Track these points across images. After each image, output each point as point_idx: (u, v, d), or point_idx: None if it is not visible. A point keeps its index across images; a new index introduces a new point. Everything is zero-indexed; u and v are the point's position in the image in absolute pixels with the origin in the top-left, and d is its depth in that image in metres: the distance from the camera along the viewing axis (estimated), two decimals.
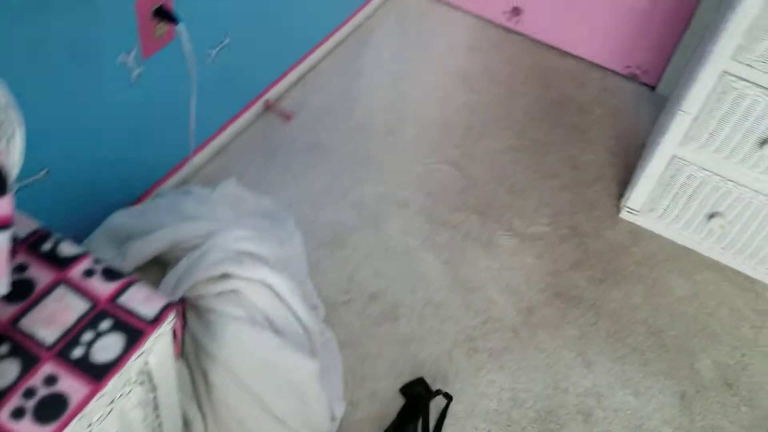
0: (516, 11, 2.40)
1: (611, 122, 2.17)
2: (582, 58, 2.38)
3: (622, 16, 2.22)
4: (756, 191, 1.65)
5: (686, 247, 1.85)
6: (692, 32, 2.11)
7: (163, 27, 1.42)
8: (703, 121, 1.62)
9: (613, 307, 1.70)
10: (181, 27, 1.41)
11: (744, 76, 1.51)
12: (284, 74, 2.01)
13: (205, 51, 1.59)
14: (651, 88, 2.33)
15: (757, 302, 1.75)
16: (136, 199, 1.61)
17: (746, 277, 1.80)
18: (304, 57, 2.09)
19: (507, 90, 2.21)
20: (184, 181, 1.73)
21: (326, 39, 2.17)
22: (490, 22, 2.46)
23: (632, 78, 2.34)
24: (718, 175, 1.68)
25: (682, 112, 1.64)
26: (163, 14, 1.41)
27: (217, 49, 1.62)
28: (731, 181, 1.67)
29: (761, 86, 1.50)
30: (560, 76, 2.30)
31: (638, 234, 1.87)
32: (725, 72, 1.53)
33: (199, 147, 1.75)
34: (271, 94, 1.98)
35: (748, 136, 1.58)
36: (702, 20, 2.05)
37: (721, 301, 1.75)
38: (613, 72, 2.35)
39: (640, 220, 1.88)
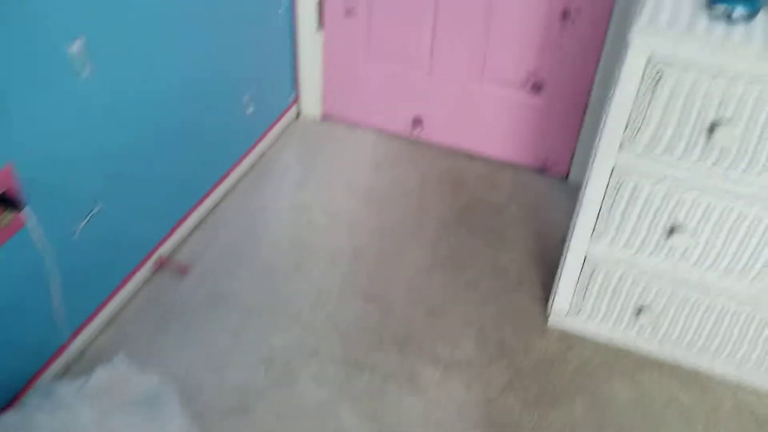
0: (417, 121, 2.36)
1: (528, 220, 2.10)
2: (490, 158, 2.33)
3: (520, 111, 2.19)
4: (678, 280, 1.56)
5: (621, 347, 1.73)
6: (591, 115, 2.07)
7: (7, 216, 1.30)
8: (606, 216, 1.54)
9: (555, 428, 1.55)
10: (28, 211, 1.31)
11: (635, 167, 1.45)
12: (177, 224, 1.91)
13: (69, 228, 1.47)
14: (564, 178, 2.27)
15: (704, 398, 1.62)
16: (14, 395, 1.45)
17: (688, 371, 1.68)
18: (201, 201, 1.99)
19: (417, 203, 2.13)
20: (67, 368, 1.57)
21: (223, 178, 2.09)
22: (392, 135, 2.41)
23: (543, 171, 2.29)
24: (635, 267, 1.58)
25: (585, 209, 1.56)
26: (7, 202, 1.30)
27: (85, 221, 1.51)
28: (649, 273, 1.57)
29: (654, 176, 1.44)
30: (470, 179, 2.24)
31: (570, 340, 1.75)
32: (616, 165, 1.46)
33: (83, 324, 1.61)
34: (165, 248, 1.86)
35: (654, 227, 1.50)
36: (599, 103, 2.02)
37: (667, 402, 1.62)
38: (524, 167, 2.30)
39: (570, 324, 1.77)
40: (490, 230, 2.05)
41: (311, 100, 2.43)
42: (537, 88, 2.14)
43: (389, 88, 2.32)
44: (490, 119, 2.25)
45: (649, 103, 1.35)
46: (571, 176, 2.24)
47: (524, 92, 2.16)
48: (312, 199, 2.13)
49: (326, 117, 2.48)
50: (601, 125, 1.45)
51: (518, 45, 2.07)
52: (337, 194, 2.16)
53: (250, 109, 2.13)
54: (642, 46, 1.30)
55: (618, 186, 1.48)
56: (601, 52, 1.99)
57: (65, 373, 1.57)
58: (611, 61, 1.91)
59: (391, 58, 2.26)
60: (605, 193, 1.51)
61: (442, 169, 2.28)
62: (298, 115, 2.49)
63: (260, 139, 2.25)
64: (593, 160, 1.49)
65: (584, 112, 2.11)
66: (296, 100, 2.45)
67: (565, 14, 1.97)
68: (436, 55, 2.19)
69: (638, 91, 1.35)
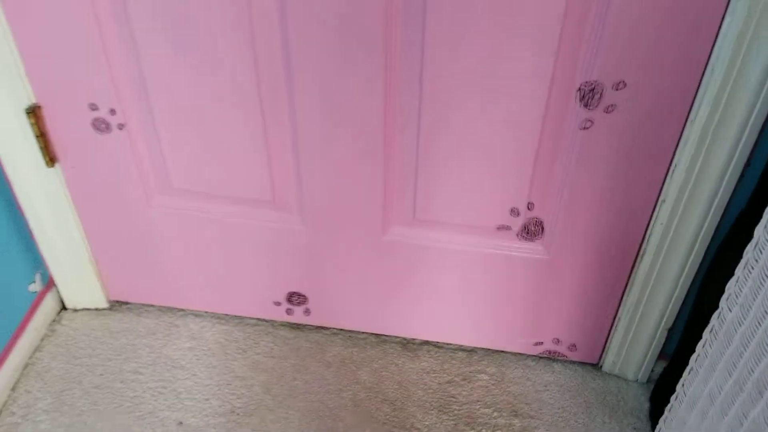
0: (295, 299, 1.20)
1: None
2: (447, 346, 1.22)
3: (498, 269, 1.08)
4: None
5: None
6: (648, 265, 0.99)
7: None
8: None
9: None
10: None
11: None
12: None
13: None
14: (595, 365, 1.19)
15: None
16: None
17: None
18: None
19: None
20: None
21: None
22: (257, 321, 1.25)
23: (553, 357, 1.20)
24: None
25: None
26: None
27: None
28: None
29: None
30: (419, 389, 1.13)
31: None
32: None
33: None
34: None
35: None
36: (659, 247, 0.94)
37: None
38: (514, 354, 1.21)
39: None
40: None
41: (78, 283, 1.23)
42: (531, 231, 1.03)
43: (224, 246, 1.14)
44: (440, 284, 1.12)
45: None
46: (606, 361, 1.17)
47: (505, 238, 1.04)
48: None
49: (115, 304, 1.28)
50: None
51: (485, 158, 0.94)
52: None
53: None
54: None
55: None
56: (666, 171, 0.89)
57: None
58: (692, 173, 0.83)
59: (212, 195, 1.08)
60: None
61: (369, 371, 1.15)
62: (61, 309, 1.27)
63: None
64: None
65: (635, 261, 1.03)
66: (48, 286, 1.24)
67: (586, 95, 0.85)
68: (309, 190, 1.03)
69: None
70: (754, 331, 0.73)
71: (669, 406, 0.97)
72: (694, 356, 0.90)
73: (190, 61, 0.91)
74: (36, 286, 1.21)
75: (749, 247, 0.76)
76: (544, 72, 0.84)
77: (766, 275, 0.72)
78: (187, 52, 0.90)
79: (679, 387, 0.95)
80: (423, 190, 1.00)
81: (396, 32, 0.84)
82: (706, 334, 0.87)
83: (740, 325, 0.76)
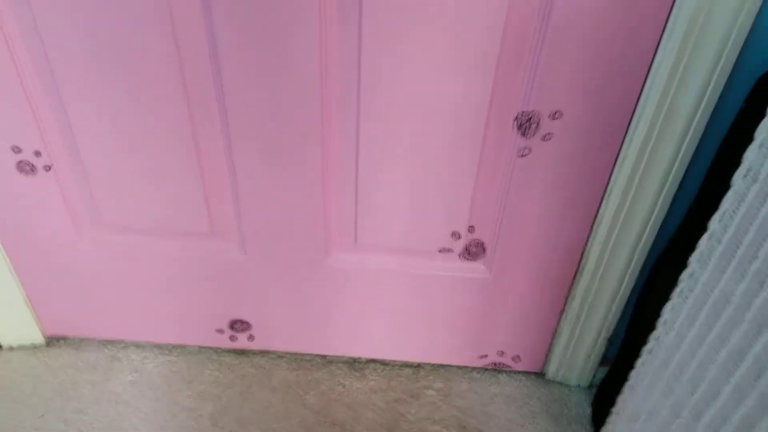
0: (239, 326, 1.18)
1: None
2: (391, 363, 1.22)
3: (441, 287, 1.09)
4: None
5: None
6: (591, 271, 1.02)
7: None
8: None
9: None
10: None
11: None
12: None
13: None
14: (538, 374, 1.22)
15: None
16: None
17: None
18: None
19: None
20: None
21: None
22: (200, 349, 1.23)
23: (498, 368, 1.22)
24: None
25: None
26: None
27: None
28: None
29: None
30: (367, 402, 1.13)
31: None
32: None
33: None
34: None
35: None
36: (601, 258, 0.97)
37: None
38: (459, 368, 1.22)
39: None
40: None
41: (12, 321, 1.18)
42: (473, 252, 1.03)
43: (162, 277, 1.11)
44: (384, 304, 1.12)
45: None
46: (550, 370, 1.20)
47: (447, 260, 1.05)
48: None
49: (52, 340, 1.24)
50: None
51: (425, 185, 0.94)
52: None
53: None
54: None
55: None
56: (603, 193, 0.91)
57: None
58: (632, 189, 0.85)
59: (146, 229, 1.05)
60: None
61: (308, 400, 1.14)
62: None
63: None
64: None
65: (574, 276, 1.05)
66: None
67: (523, 124, 0.85)
68: (248, 219, 1.01)
69: None
70: (690, 359, 0.76)
71: (610, 417, 1.01)
72: (633, 372, 0.93)
73: (116, 99, 0.87)
74: None
75: (684, 275, 0.78)
76: (480, 102, 0.84)
77: (702, 302, 0.75)
78: (112, 90, 0.86)
79: (619, 400, 0.98)
80: (363, 215, 0.99)
81: (331, 74, 0.82)
82: (644, 353, 0.89)
83: (677, 351, 0.79)
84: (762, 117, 0.66)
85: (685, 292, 0.78)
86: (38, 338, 1.23)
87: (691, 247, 0.77)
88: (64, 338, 1.25)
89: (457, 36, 0.78)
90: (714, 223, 0.72)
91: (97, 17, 0.79)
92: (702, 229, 0.75)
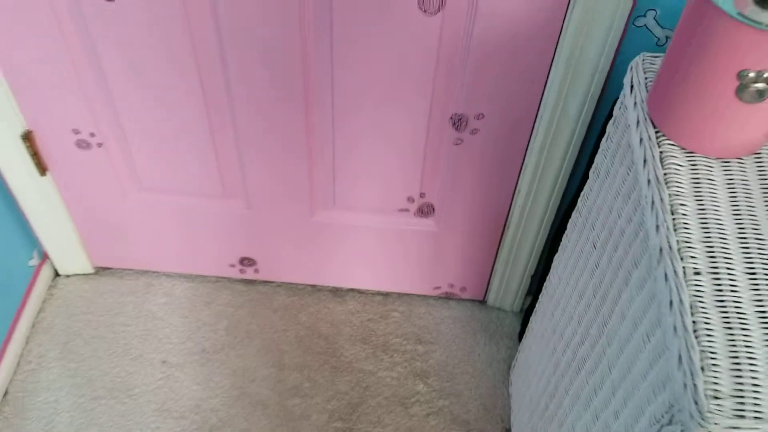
0: (246, 262, 1.51)
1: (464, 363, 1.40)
2: (365, 292, 1.56)
3: (401, 237, 1.41)
4: None
5: None
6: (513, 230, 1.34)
7: None
8: None
9: None
10: None
11: None
12: None
13: None
14: (480, 302, 1.56)
15: None
16: None
17: None
18: None
19: (277, 385, 1.37)
20: None
21: None
22: (217, 279, 1.57)
23: (449, 297, 1.56)
24: None
25: None
26: None
27: None
28: None
29: None
30: (346, 320, 1.48)
31: None
32: None
33: None
34: None
35: None
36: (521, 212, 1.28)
37: None
38: (419, 296, 1.56)
39: None
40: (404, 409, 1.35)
41: (68, 254, 1.51)
42: (424, 212, 1.35)
43: (186, 225, 1.44)
44: (359, 248, 1.45)
45: None
46: (490, 298, 1.53)
47: (405, 217, 1.36)
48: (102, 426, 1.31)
49: (100, 270, 1.58)
50: None
51: (385, 164, 1.25)
52: (139, 410, 1.34)
53: None
54: None
55: None
56: (519, 171, 1.22)
57: None
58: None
59: (175, 190, 1.36)
60: None
61: (301, 318, 1.49)
62: (55, 276, 1.56)
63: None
64: None
65: (503, 229, 1.37)
66: (44, 260, 1.52)
67: (456, 122, 1.15)
68: (251, 184, 1.32)
69: None
70: (560, 294, 1.08)
71: (525, 334, 1.35)
72: (538, 301, 1.27)
73: (152, 92, 1.17)
74: (34, 261, 1.49)
75: (564, 236, 1.10)
76: (424, 107, 1.14)
77: (569, 255, 1.06)
78: (149, 86, 1.16)
79: (531, 321, 1.32)
80: (340, 183, 1.30)
81: (312, 73, 1.12)
82: (543, 287, 1.22)
83: (556, 288, 1.12)
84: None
85: (562, 248, 1.10)
86: (88, 268, 1.56)
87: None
88: (110, 269, 1.58)
89: (405, 58, 1.07)
90: (580, 200, 1.04)
91: (136, 40, 1.08)
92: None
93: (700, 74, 0.69)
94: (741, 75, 0.66)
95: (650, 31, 0.98)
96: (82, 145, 1.26)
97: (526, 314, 1.50)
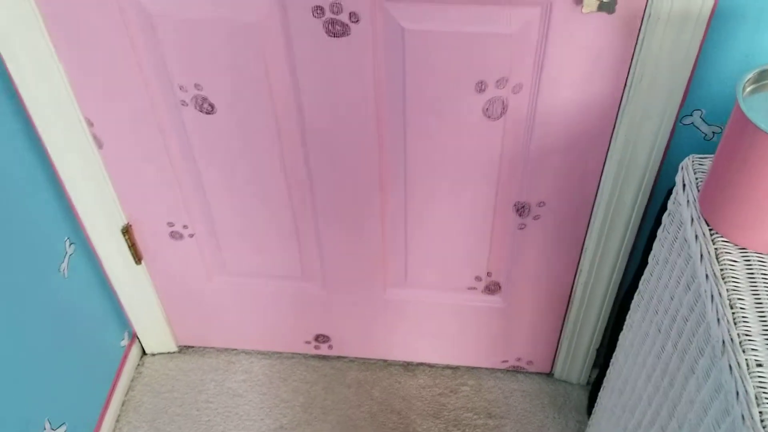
0: (321, 339, 1.60)
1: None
2: (436, 366, 1.62)
3: (470, 313, 1.47)
4: None
5: None
6: (578, 306, 1.39)
7: None
8: None
9: None
10: None
11: None
12: None
13: None
14: (547, 375, 1.60)
15: None
16: None
17: None
18: None
19: None
20: None
21: None
22: (293, 355, 1.65)
23: (517, 371, 1.60)
24: None
25: None
26: None
27: None
28: None
29: None
30: (417, 395, 1.53)
31: None
32: None
33: None
34: None
35: None
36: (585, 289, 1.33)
37: None
38: (489, 370, 1.61)
39: None
40: None
41: (155, 334, 1.62)
42: (491, 289, 1.42)
43: (266, 305, 1.53)
44: (430, 323, 1.52)
45: None
46: (556, 371, 1.57)
47: (473, 294, 1.43)
48: None
49: (183, 348, 1.68)
50: None
51: (454, 246, 1.33)
52: None
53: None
54: None
55: None
56: (580, 252, 1.28)
57: None
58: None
59: (258, 274, 1.46)
60: None
61: (374, 393, 1.55)
62: (143, 355, 1.67)
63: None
64: None
65: (568, 304, 1.42)
66: (132, 340, 1.63)
67: (519, 209, 1.23)
68: (328, 266, 1.41)
69: None
70: (628, 373, 1.13)
71: (593, 410, 1.38)
72: (605, 378, 1.31)
73: (241, 188, 1.29)
74: (125, 341, 1.60)
75: (627, 317, 1.15)
76: (490, 195, 1.22)
77: (634, 336, 1.11)
78: (239, 182, 1.28)
79: (599, 397, 1.35)
80: (411, 263, 1.39)
81: (386, 186, 1.22)
82: (610, 366, 1.27)
83: (623, 367, 1.16)
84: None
85: (627, 327, 1.15)
86: (173, 347, 1.67)
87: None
88: (192, 347, 1.69)
89: (472, 154, 1.16)
90: (642, 283, 1.09)
91: (231, 145, 1.21)
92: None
93: (747, 183, 0.76)
94: None
95: (697, 128, 1.04)
96: (176, 236, 1.38)
97: (593, 387, 1.53)
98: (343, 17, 0.99)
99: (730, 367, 0.72)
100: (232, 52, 1.06)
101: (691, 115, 1.03)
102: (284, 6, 0.99)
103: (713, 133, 1.04)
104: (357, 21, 0.99)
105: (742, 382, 0.70)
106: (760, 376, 0.69)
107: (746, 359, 0.71)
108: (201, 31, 1.04)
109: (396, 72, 1.05)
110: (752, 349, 0.71)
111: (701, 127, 1.04)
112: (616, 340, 1.38)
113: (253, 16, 1.01)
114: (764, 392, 0.68)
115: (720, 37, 0.93)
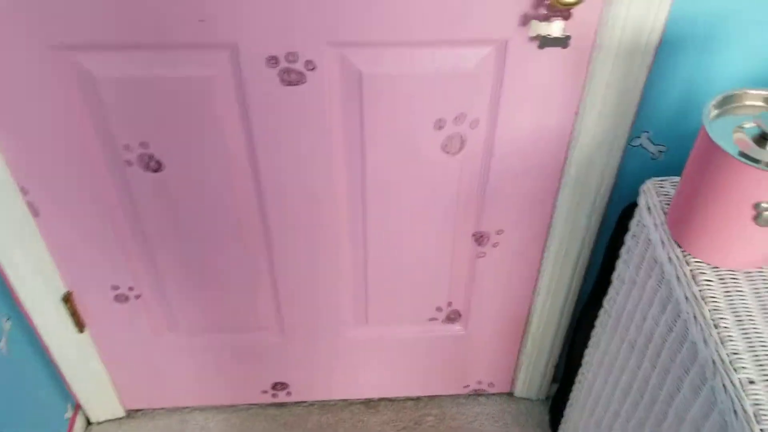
0: (280, 386, 1.55)
1: None
2: (397, 399, 1.61)
3: (431, 343, 1.47)
4: None
5: None
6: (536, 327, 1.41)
7: None
8: None
9: None
10: None
11: None
12: None
13: None
14: (508, 394, 1.62)
15: None
16: None
17: None
18: None
19: None
20: None
21: None
22: (249, 406, 1.59)
23: (479, 394, 1.61)
24: None
25: None
26: None
27: None
28: None
29: None
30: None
31: None
32: None
33: None
34: None
35: None
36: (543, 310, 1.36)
37: None
38: (450, 396, 1.61)
39: None
40: None
41: (100, 401, 1.53)
42: (452, 318, 1.42)
43: (219, 360, 1.48)
44: (390, 356, 1.51)
45: None
46: (516, 390, 1.59)
47: (434, 324, 1.43)
48: None
49: (131, 412, 1.59)
50: None
51: (415, 280, 1.32)
52: None
53: None
54: None
55: None
56: (536, 276, 1.30)
57: None
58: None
59: (209, 329, 1.41)
60: None
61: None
62: (87, 425, 1.57)
63: None
64: None
65: (524, 328, 1.44)
66: (76, 410, 1.53)
67: (478, 239, 1.24)
68: (285, 314, 1.38)
69: None
70: (600, 389, 1.16)
71: (560, 426, 1.41)
72: (571, 395, 1.33)
73: (191, 246, 1.23)
74: (68, 414, 1.50)
75: (592, 334, 1.18)
76: (449, 228, 1.23)
77: (602, 355, 1.14)
78: (188, 240, 1.22)
79: (565, 413, 1.38)
80: (373, 302, 1.37)
81: (342, 230, 1.20)
82: (575, 383, 1.29)
83: (593, 384, 1.19)
84: (624, 235, 1.05)
85: (594, 345, 1.18)
86: (120, 412, 1.58)
87: (597, 311, 1.16)
88: (141, 410, 1.60)
89: (431, 188, 1.16)
90: (607, 302, 1.12)
91: (179, 203, 1.15)
92: (599, 305, 1.15)
93: (719, 205, 0.79)
94: (757, 206, 0.76)
95: (645, 148, 1.09)
96: (121, 299, 1.31)
97: (552, 402, 1.56)
98: (299, 66, 0.97)
99: (724, 386, 0.75)
100: (181, 108, 1.02)
101: (639, 136, 1.07)
102: (236, 58, 0.96)
103: (659, 152, 1.09)
104: (313, 69, 0.97)
105: (739, 402, 0.72)
106: (755, 395, 0.72)
107: (739, 378, 0.74)
108: (147, 89, 0.99)
109: (353, 116, 1.04)
110: (742, 368, 0.74)
111: (648, 147, 1.08)
112: (573, 354, 1.41)
113: (204, 70, 0.97)
114: (762, 410, 0.71)
115: (666, 64, 0.97)
